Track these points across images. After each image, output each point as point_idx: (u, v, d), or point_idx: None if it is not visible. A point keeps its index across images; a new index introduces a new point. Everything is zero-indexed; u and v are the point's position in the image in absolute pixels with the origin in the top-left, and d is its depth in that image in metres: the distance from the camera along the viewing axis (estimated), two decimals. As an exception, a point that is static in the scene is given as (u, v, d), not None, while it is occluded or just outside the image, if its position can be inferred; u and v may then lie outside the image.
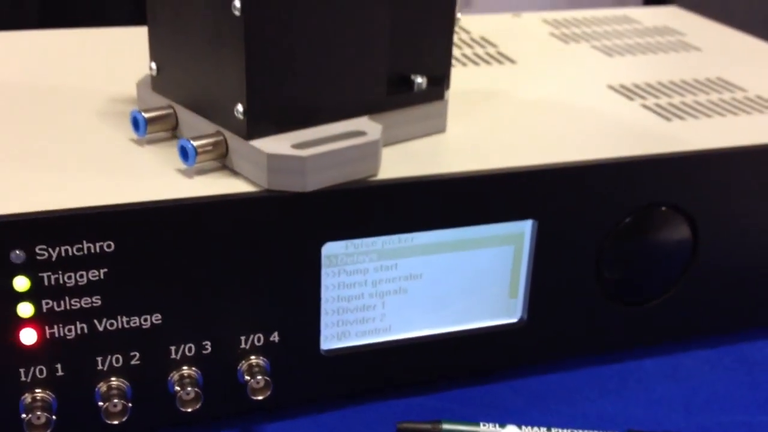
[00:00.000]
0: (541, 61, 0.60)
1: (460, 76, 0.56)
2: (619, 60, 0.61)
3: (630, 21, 0.72)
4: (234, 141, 0.40)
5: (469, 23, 0.68)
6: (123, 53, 0.56)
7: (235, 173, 0.41)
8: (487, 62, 0.59)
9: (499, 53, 0.61)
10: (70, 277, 0.37)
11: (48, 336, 0.38)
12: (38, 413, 0.38)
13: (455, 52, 0.61)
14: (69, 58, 0.55)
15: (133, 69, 0.52)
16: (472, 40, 0.64)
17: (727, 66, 0.61)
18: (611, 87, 0.56)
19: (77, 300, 0.38)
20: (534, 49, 0.63)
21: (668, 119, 0.50)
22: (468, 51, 0.62)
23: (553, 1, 1.81)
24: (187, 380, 0.40)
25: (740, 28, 0.70)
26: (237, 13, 0.38)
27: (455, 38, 0.62)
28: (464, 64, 0.59)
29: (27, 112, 0.47)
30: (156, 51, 0.44)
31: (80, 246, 0.37)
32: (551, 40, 0.65)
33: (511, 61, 0.60)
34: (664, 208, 0.47)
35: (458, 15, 0.46)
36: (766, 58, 0.63)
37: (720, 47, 0.65)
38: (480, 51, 0.62)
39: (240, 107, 0.39)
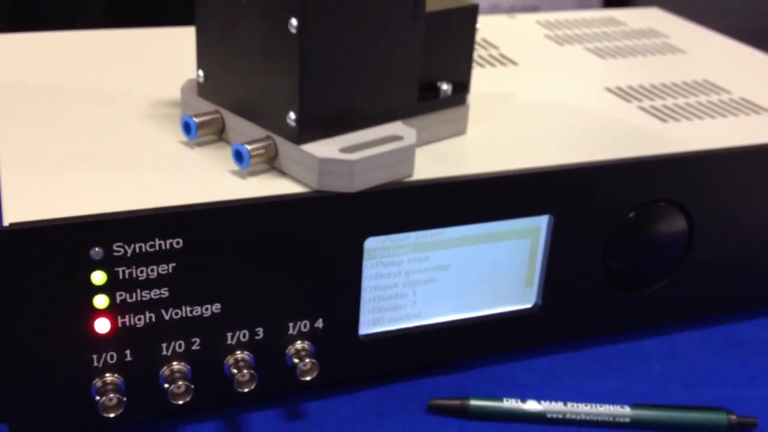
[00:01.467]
0: (542, 63, 0.64)
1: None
2: (611, 62, 0.66)
3: (616, 23, 0.76)
4: (284, 145, 0.44)
5: (468, 25, 0.72)
6: (157, 55, 0.60)
7: (283, 174, 0.45)
8: (492, 65, 0.64)
9: (502, 55, 0.66)
10: (142, 272, 0.41)
11: (120, 325, 0.42)
12: (111, 395, 0.42)
13: (460, 54, 0.65)
14: (105, 60, 0.58)
15: (167, 70, 0.56)
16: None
17: (710, 68, 0.66)
18: (609, 89, 0.60)
19: (147, 292, 0.42)
20: (533, 51, 0.67)
21: (664, 121, 0.55)
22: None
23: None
24: (242, 363, 0.44)
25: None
26: (293, 31, 0.41)
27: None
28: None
29: (77, 115, 0.50)
30: (204, 59, 0.48)
31: (152, 243, 0.41)
32: (547, 42, 0.70)
33: (514, 63, 0.64)
34: (663, 204, 0.51)
35: (478, 25, 0.51)
36: (741, 59, 0.68)
37: (701, 49, 0.70)
38: (484, 53, 0.66)
39: (292, 115, 0.43)
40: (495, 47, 0.67)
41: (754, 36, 1.84)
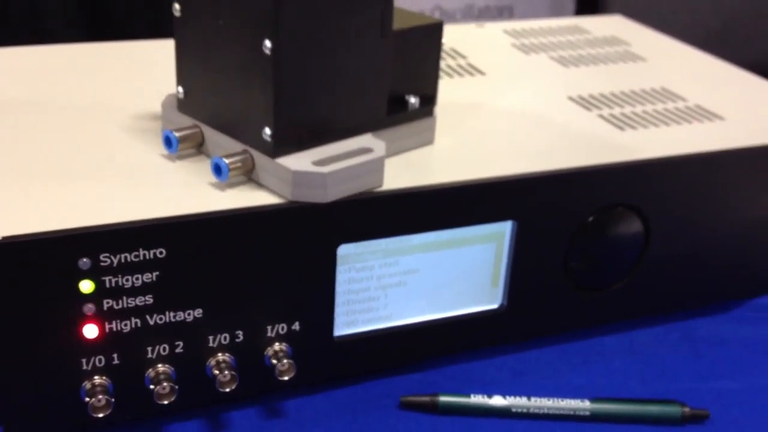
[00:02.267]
0: (508, 73, 0.67)
1: (439, 88, 0.63)
2: (574, 71, 0.69)
3: (581, 31, 0.79)
4: (261, 158, 0.47)
5: (438, 34, 0.75)
6: (136, 68, 0.62)
7: (259, 186, 0.47)
8: (460, 74, 0.67)
9: (470, 65, 0.69)
10: (127, 280, 0.43)
11: (107, 330, 0.44)
12: (99, 396, 0.44)
13: (430, 64, 0.68)
14: (87, 74, 0.60)
15: (147, 84, 0.58)
16: (444, 51, 0.71)
17: (669, 76, 0.69)
18: (571, 98, 0.63)
19: (133, 299, 0.44)
20: (500, 60, 0.70)
21: (622, 129, 0.58)
22: (441, 63, 0.68)
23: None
24: (224, 365, 0.47)
25: (669, 31, 0.78)
26: (267, 52, 0.44)
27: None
28: (440, 77, 0.66)
29: (62, 130, 0.52)
30: (183, 76, 0.50)
31: (137, 253, 0.43)
32: (513, 51, 0.73)
33: (481, 72, 0.67)
34: (620, 208, 0.54)
35: (444, 41, 0.53)
36: (699, 67, 0.72)
37: (662, 57, 0.73)
38: (452, 63, 0.69)
39: (267, 130, 0.46)
40: (463, 57, 0.70)
41: (718, 34, 1.89)
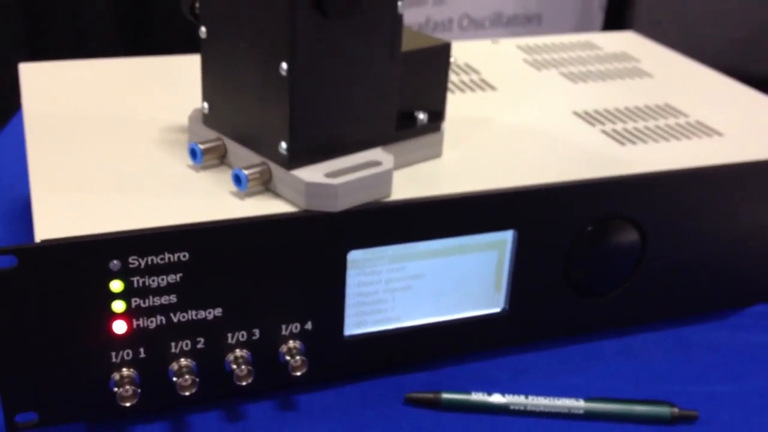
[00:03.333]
0: (518, 88, 0.71)
1: (450, 102, 0.66)
2: (582, 86, 0.72)
3: (592, 47, 0.82)
4: (277, 170, 0.51)
5: (455, 50, 0.79)
6: (164, 82, 0.66)
7: (276, 195, 0.51)
8: (472, 89, 0.70)
9: (482, 80, 0.72)
10: (153, 281, 0.48)
11: (135, 327, 0.48)
12: (127, 387, 0.48)
13: (444, 79, 0.71)
14: (121, 87, 0.65)
15: (175, 98, 0.62)
16: (458, 66, 0.75)
17: (674, 92, 0.72)
18: (576, 113, 0.66)
19: (158, 298, 0.48)
20: (511, 76, 0.73)
21: (622, 144, 0.61)
22: (455, 78, 0.72)
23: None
24: (241, 360, 0.51)
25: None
26: (284, 73, 0.48)
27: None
28: (452, 92, 0.69)
29: (97, 141, 0.56)
30: (208, 93, 0.54)
31: (163, 256, 0.47)
32: (525, 66, 0.76)
33: (492, 88, 0.71)
34: (618, 219, 0.58)
35: (452, 59, 0.57)
36: (705, 83, 0.74)
37: (668, 73, 0.76)
38: (465, 78, 0.72)
39: (283, 144, 0.50)
40: (477, 72, 0.74)
41: (744, 43, 1.90)
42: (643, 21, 1.93)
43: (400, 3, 0.51)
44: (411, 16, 1.80)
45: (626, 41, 0.85)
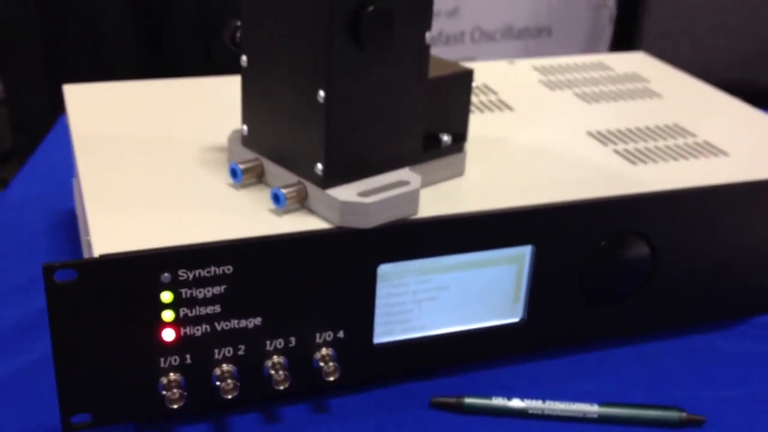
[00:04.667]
0: (534, 109, 0.74)
1: (470, 122, 0.70)
2: (595, 107, 0.76)
3: (604, 67, 0.86)
4: (313, 189, 0.54)
5: (472, 71, 0.82)
6: (202, 103, 0.70)
7: (312, 213, 0.55)
8: (491, 110, 0.74)
9: (500, 101, 0.76)
10: (200, 292, 0.51)
11: (182, 334, 0.52)
12: (174, 390, 0.52)
13: (464, 99, 0.75)
14: (163, 108, 0.69)
15: (216, 119, 0.66)
16: (477, 87, 0.79)
17: (683, 112, 0.75)
18: (590, 133, 0.70)
19: (204, 308, 0.52)
20: (528, 96, 0.77)
21: (634, 163, 0.65)
22: (474, 99, 0.76)
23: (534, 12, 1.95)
24: (278, 365, 0.55)
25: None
26: (321, 101, 0.52)
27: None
28: (472, 112, 0.73)
29: (144, 161, 0.60)
30: (248, 116, 0.58)
31: (209, 269, 0.51)
32: (541, 87, 0.80)
33: (510, 108, 0.74)
34: (630, 235, 0.61)
35: (474, 84, 0.61)
36: (712, 104, 0.78)
37: (677, 95, 0.80)
38: (484, 99, 0.76)
39: (319, 165, 0.53)
40: (494, 93, 0.77)
41: (755, 56, 1.93)
42: (652, 34, 1.96)
43: (427, 34, 0.55)
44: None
45: (637, 62, 0.88)
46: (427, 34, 0.55)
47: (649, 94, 0.80)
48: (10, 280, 0.69)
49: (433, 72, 0.58)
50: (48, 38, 1.58)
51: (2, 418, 0.55)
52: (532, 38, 1.98)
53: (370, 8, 0.51)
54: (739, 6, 1.92)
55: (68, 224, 0.76)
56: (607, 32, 2.03)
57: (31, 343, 0.62)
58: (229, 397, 0.53)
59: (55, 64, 1.59)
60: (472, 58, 1.84)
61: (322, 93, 0.52)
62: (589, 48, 1.97)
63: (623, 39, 2.01)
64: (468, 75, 0.60)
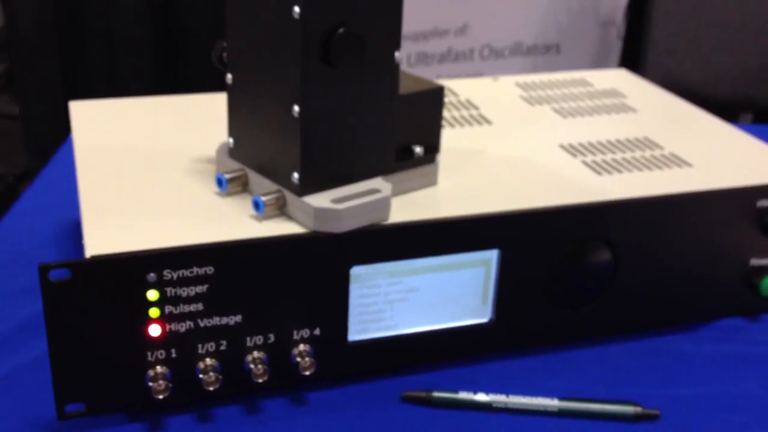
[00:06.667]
0: (512, 123, 0.79)
1: (450, 135, 0.74)
2: (570, 121, 0.80)
3: (585, 84, 0.90)
4: (290, 197, 0.59)
5: (458, 87, 0.87)
6: (194, 118, 0.75)
7: (290, 218, 0.59)
8: (470, 124, 0.78)
9: (480, 115, 0.80)
10: (184, 291, 0.56)
11: (168, 330, 0.56)
12: (160, 382, 0.57)
13: (447, 114, 0.79)
14: (155, 123, 0.74)
15: (206, 133, 0.71)
16: (459, 102, 0.83)
17: (654, 126, 0.79)
18: (562, 146, 0.74)
19: (187, 306, 0.56)
20: (507, 111, 0.81)
21: (599, 173, 0.69)
22: (456, 113, 0.80)
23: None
24: (258, 360, 0.59)
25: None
26: (296, 115, 0.56)
27: (447, 102, 0.81)
28: (452, 126, 0.77)
29: (136, 171, 0.65)
30: (233, 130, 0.63)
31: (192, 270, 0.55)
32: (521, 102, 0.84)
33: (489, 122, 0.78)
34: (593, 241, 0.65)
35: (445, 100, 0.65)
36: (684, 118, 0.82)
37: (651, 109, 0.84)
38: (465, 113, 0.80)
39: (296, 175, 0.58)
40: (476, 108, 0.82)
41: (757, 73, 1.96)
42: (659, 50, 1.99)
43: (397, 54, 0.59)
44: (434, 47, 1.87)
45: (617, 78, 0.92)
46: (397, 54, 0.59)
47: (625, 109, 0.84)
48: (18, 283, 0.74)
49: (407, 88, 0.62)
50: (65, 57, 1.64)
51: (7, 408, 0.60)
52: (541, 55, 2.01)
53: (341, 30, 0.55)
54: (745, 23, 1.94)
55: (74, 233, 0.81)
56: (616, 49, 2.06)
57: (34, 341, 0.66)
58: (212, 389, 0.58)
59: (73, 83, 1.66)
60: (481, 75, 1.88)
61: (296, 108, 0.56)
62: (598, 64, 2.00)
63: (631, 55, 2.04)
64: (439, 91, 0.64)
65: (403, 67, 1.84)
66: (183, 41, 1.68)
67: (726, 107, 1.88)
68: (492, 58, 1.96)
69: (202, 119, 0.75)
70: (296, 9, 0.54)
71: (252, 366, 0.59)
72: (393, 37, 0.59)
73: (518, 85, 0.89)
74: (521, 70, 1.95)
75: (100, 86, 1.66)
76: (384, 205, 0.59)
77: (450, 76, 1.88)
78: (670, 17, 1.97)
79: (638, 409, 0.61)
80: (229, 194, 0.63)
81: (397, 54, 0.59)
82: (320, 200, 0.58)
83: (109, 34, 1.67)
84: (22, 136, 1.74)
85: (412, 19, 1.84)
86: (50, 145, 1.00)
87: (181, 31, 1.67)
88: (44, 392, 0.59)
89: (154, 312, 0.56)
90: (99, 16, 1.66)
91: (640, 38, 2.03)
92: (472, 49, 1.94)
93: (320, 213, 0.57)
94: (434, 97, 0.64)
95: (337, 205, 0.57)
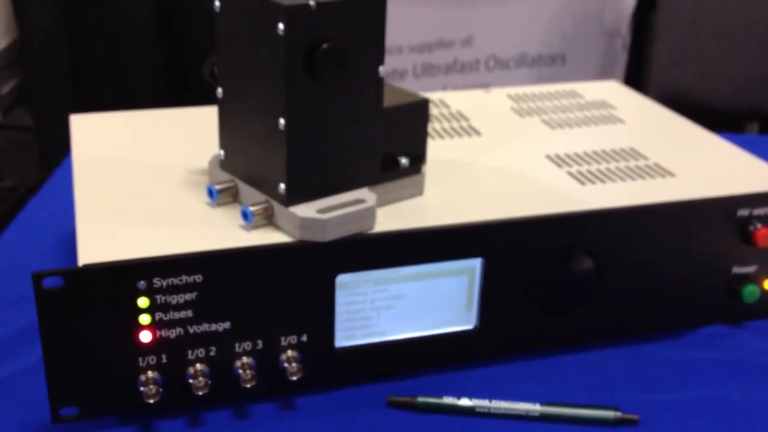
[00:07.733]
0: (501, 134, 0.80)
1: (439, 147, 0.76)
2: (559, 132, 0.81)
3: (575, 95, 0.92)
4: (278, 207, 0.61)
5: (450, 99, 0.88)
6: (189, 130, 0.77)
7: (277, 228, 0.61)
8: (460, 135, 0.80)
9: (470, 126, 0.82)
10: (173, 298, 0.58)
11: (158, 336, 0.58)
12: (151, 386, 0.58)
13: (437, 126, 0.81)
14: (151, 135, 0.76)
15: (199, 145, 0.73)
16: (451, 114, 0.85)
17: (641, 138, 0.81)
18: (548, 156, 0.76)
19: (177, 313, 0.58)
20: (497, 123, 0.83)
21: (584, 184, 0.70)
22: (447, 125, 0.82)
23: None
24: (246, 366, 0.61)
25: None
26: (281, 128, 0.58)
27: (438, 113, 0.83)
28: (442, 137, 0.79)
29: (129, 182, 0.67)
30: (224, 142, 0.65)
31: (181, 278, 0.57)
32: (511, 114, 0.86)
33: (478, 133, 0.80)
34: (574, 249, 0.67)
35: (436, 112, 0.67)
36: (670, 129, 0.83)
37: (639, 121, 0.85)
38: (455, 125, 0.82)
39: (282, 185, 0.60)
40: (467, 119, 0.83)
41: (759, 81, 1.97)
42: (663, 60, 2.00)
43: (381, 68, 0.61)
44: (440, 58, 1.89)
45: (607, 90, 0.94)
46: (381, 68, 0.61)
47: (613, 120, 0.85)
48: (18, 291, 0.76)
49: (393, 101, 0.64)
50: (75, 71, 1.67)
51: (4, 411, 0.62)
52: (546, 66, 2.03)
53: (325, 45, 0.57)
54: (747, 33, 1.96)
55: (74, 242, 0.83)
56: (622, 59, 2.07)
57: (32, 347, 0.68)
58: (201, 393, 0.59)
59: (83, 96, 1.69)
60: (486, 85, 1.90)
61: (282, 121, 0.58)
62: (603, 75, 2.01)
63: (636, 66, 2.05)
64: (423, 104, 0.66)
65: (410, 78, 1.88)
66: (189, 54, 1.70)
67: (731, 117, 1.89)
68: (497, 69, 1.98)
69: (198, 132, 0.77)
70: (280, 26, 0.56)
71: (241, 371, 0.60)
72: (376, 51, 0.61)
73: (510, 96, 0.91)
74: (526, 81, 1.97)
75: (109, 98, 1.69)
76: (369, 214, 0.61)
77: (456, 87, 1.89)
78: (673, 28, 1.98)
79: (618, 414, 0.62)
80: (220, 205, 0.64)
81: (381, 68, 0.61)
82: (306, 210, 0.60)
83: (118, 48, 1.70)
84: (36, 148, 1.77)
85: (417, 31, 1.86)
86: (61, 157, 1.03)
87: (186, 42, 1.70)
88: (40, 396, 0.61)
89: (144, 319, 0.58)
90: (108, 30, 1.69)
91: (644, 49, 2.05)
92: (478, 60, 1.96)
93: (306, 222, 0.59)
94: (419, 110, 0.66)
95: (322, 215, 0.59)
